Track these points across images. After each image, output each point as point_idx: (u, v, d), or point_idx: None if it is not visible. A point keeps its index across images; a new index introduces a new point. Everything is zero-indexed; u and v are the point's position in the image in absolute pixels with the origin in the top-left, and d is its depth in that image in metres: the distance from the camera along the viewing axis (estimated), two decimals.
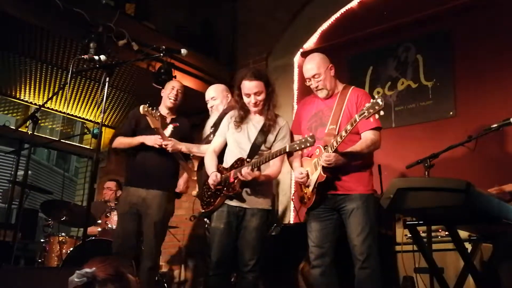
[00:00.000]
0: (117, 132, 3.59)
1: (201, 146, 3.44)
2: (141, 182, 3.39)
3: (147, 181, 3.38)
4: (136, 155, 3.45)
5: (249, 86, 2.94)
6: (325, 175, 2.66)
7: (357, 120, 2.50)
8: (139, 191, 3.38)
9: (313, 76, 2.87)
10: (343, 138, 2.57)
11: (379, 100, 2.43)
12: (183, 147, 3.39)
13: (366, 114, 2.45)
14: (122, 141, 3.51)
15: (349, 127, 2.55)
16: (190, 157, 3.63)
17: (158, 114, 3.28)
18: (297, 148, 2.66)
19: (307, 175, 2.77)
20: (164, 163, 3.41)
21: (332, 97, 2.91)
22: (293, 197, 2.89)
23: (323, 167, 2.66)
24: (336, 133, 2.70)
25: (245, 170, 2.78)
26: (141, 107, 3.18)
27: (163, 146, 3.30)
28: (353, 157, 2.70)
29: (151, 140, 3.34)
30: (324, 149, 2.68)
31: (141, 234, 3.47)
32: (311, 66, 2.89)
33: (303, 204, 2.90)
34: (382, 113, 2.44)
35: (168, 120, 3.57)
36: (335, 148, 2.61)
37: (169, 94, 3.57)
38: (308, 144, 2.60)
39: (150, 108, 3.22)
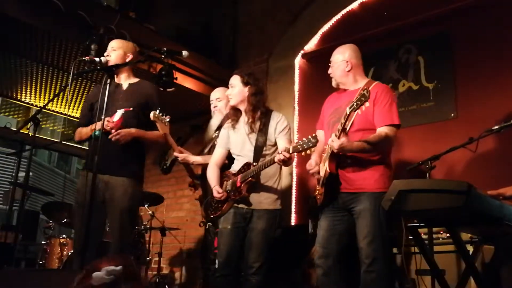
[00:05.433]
0: (77, 124, 3.31)
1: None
2: (104, 168, 2.92)
3: (110, 167, 3.00)
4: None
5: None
6: (329, 171, 2.61)
7: (347, 113, 2.48)
8: (102, 176, 2.96)
9: (329, 63, 2.95)
10: (339, 131, 2.52)
11: (364, 92, 2.40)
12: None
13: (354, 106, 2.45)
14: (82, 132, 3.17)
15: (342, 121, 2.52)
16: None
17: (168, 120, 3.14)
18: (300, 149, 2.63)
19: (316, 168, 2.75)
20: (127, 147, 3.05)
21: (354, 91, 2.80)
22: (318, 196, 2.83)
23: (329, 158, 2.63)
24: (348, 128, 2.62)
25: (282, 152, 2.71)
26: (152, 113, 3.06)
27: (109, 129, 2.97)
28: (363, 148, 2.61)
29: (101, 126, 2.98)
30: None
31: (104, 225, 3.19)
32: (335, 53, 2.98)
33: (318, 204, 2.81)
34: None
35: (124, 87, 3.19)
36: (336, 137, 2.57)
37: (106, 55, 3.17)
38: (311, 145, 2.58)
39: (160, 114, 3.11)
